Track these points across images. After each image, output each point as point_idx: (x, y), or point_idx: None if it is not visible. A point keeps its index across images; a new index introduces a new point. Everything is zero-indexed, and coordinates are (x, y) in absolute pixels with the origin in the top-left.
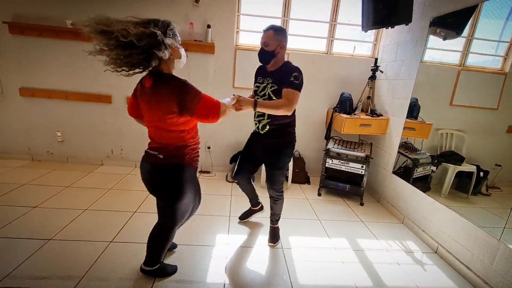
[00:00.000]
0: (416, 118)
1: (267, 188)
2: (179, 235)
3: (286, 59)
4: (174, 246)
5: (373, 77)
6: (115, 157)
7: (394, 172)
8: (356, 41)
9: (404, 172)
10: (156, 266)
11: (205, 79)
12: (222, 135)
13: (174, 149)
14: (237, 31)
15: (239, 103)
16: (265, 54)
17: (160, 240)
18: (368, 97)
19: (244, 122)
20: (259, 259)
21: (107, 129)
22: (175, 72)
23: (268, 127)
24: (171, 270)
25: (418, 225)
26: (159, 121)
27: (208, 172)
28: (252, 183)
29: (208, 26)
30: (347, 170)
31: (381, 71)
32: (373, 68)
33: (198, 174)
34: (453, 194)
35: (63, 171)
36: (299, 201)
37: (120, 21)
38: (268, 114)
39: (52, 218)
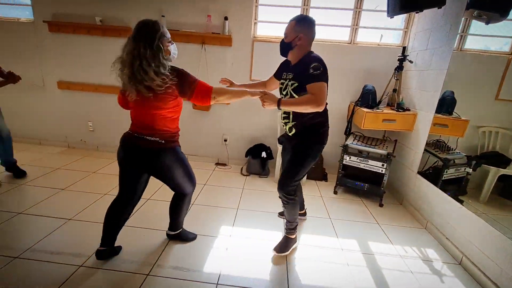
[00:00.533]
0: (450, 113)
1: (277, 187)
2: (185, 224)
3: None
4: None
5: (400, 68)
6: None
7: (420, 173)
8: (383, 28)
9: (433, 173)
10: (179, 230)
11: (222, 72)
12: (239, 129)
13: (171, 134)
14: (254, 23)
15: (262, 100)
16: (282, 46)
17: (184, 205)
18: (394, 90)
19: (260, 116)
20: (259, 253)
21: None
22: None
23: (294, 130)
24: (192, 236)
25: (442, 232)
26: (161, 109)
27: (224, 164)
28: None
29: (226, 18)
30: (366, 168)
31: (410, 61)
32: (400, 57)
33: (214, 166)
34: (495, 200)
35: (92, 158)
36: (312, 198)
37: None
38: (293, 115)
39: (75, 201)
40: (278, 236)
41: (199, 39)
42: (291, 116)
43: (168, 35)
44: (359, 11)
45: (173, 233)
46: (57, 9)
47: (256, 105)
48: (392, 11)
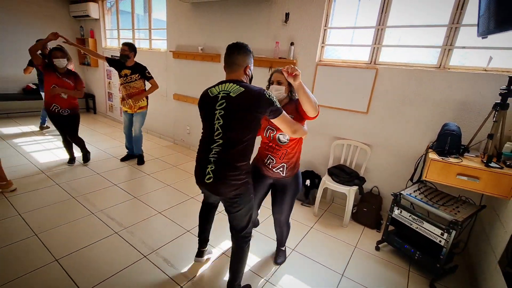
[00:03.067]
0: None
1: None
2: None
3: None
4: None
5: (503, 106)
6: None
7: (503, 263)
8: (493, 48)
9: None
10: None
11: None
12: None
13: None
14: (322, 46)
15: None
16: None
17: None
18: (490, 136)
19: (317, 141)
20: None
21: None
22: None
23: None
24: None
25: None
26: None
27: None
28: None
29: (291, 44)
30: (419, 231)
31: None
32: (504, 91)
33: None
34: None
35: (182, 154)
36: (344, 245)
37: None
38: None
39: (149, 185)
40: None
41: (267, 63)
42: None
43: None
44: (455, 28)
45: None
46: (179, 42)
47: (315, 129)
48: (486, 29)
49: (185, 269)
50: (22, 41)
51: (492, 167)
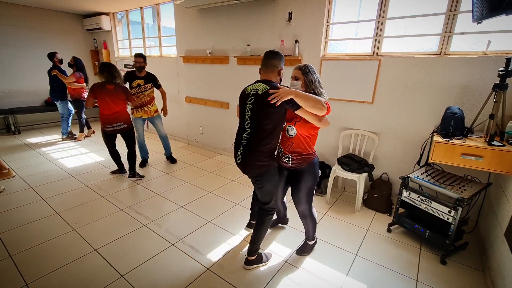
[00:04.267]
0: None
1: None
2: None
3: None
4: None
5: (502, 87)
6: (228, 149)
7: (507, 234)
8: (491, 32)
9: None
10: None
11: None
12: None
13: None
14: (325, 42)
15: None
16: None
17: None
18: (491, 116)
19: (328, 133)
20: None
21: (225, 128)
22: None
23: None
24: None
25: None
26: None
27: None
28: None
29: (296, 41)
30: (427, 211)
31: None
32: (501, 72)
33: None
34: None
35: (197, 154)
36: (356, 229)
37: None
38: None
39: (169, 183)
40: (284, 250)
41: None
42: None
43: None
44: (453, 15)
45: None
46: (188, 47)
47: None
48: (479, 15)
49: (210, 254)
50: (41, 57)
51: (495, 145)
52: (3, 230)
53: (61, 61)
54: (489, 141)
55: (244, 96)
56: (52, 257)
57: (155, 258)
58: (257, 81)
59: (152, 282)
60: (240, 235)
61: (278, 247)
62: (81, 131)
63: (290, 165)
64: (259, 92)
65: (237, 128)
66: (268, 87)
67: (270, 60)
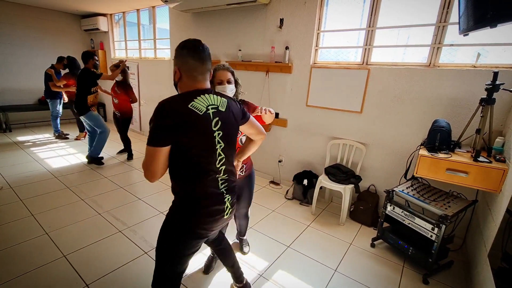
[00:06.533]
0: None
1: None
2: None
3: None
4: None
5: (488, 101)
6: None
7: (492, 257)
8: (483, 45)
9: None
10: None
11: (281, 97)
12: (294, 152)
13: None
14: (316, 49)
15: None
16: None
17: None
18: (477, 131)
19: (314, 142)
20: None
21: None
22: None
23: None
24: None
25: None
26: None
27: (277, 184)
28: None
29: (286, 48)
30: (411, 226)
31: (510, 91)
32: (488, 86)
33: (267, 184)
34: None
35: None
36: (339, 243)
37: None
38: None
39: (149, 188)
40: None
41: (264, 67)
42: None
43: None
44: (443, 27)
45: None
46: None
47: (312, 130)
48: (466, 26)
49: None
50: (37, 55)
51: (481, 161)
52: None
53: (66, 66)
54: (475, 157)
55: (197, 119)
56: (18, 263)
57: (125, 267)
58: (199, 92)
59: None
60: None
61: (254, 258)
62: (81, 130)
63: (243, 175)
64: (220, 108)
65: (187, 174)
66: (226, 99)
67: (208, 62)
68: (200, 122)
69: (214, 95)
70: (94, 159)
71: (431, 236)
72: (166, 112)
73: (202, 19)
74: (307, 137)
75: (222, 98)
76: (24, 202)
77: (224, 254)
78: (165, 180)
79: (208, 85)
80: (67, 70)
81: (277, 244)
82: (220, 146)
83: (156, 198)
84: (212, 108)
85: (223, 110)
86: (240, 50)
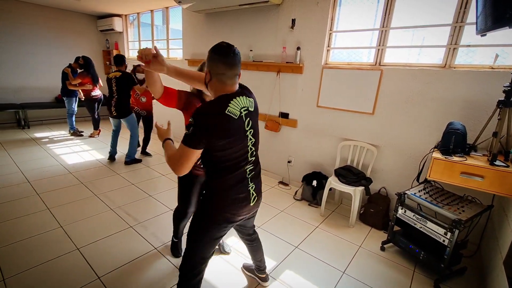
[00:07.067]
0: None
1: None
2: None
3: (220, 94)
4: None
5: (506, 103)
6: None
7: (508, 264)
8: (502, 45)
9: None
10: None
11: (292, 98)
12: (303, 152)
13: None
14: (327, 50)
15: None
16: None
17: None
18: (494, 134)
19: (324, 143)
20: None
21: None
22: None
23: None
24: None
25: None
26: None
27: (286, 184)
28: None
29: (298, 48)
30: (422, 230)
31: None
32: (507, 88)
33: (276, 184)
34: None
35: None
36: (348, 245)
37: None
38: None
39: (159, 186)
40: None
41: (276, 68)
42: None
43: None
44: (459, 27)
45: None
46: (194, 50)
47: (322, 131)
48: (483, 27)
49: None
50: (55, 54)
51: (498, 165)
52: None
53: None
54: (492, 161)
55: (236, 124)
56: (34, 254)
57: (136, 261)
58: (232, 95)
59: (127, 286)
60: (228, 244)
61: None
62: (95, 128)
63: None
64: (250, 109)
65: (223, 172)
66: (252, 99)
67: (238, 67)
68: (236, 125)
69: (243, 97)
70: (133, 160)
71: (444, 240)
72: (206, 118)
73: (214, 20)
74: (317, 138)
75: (249, 98)
76: (40, 196)
77: (255, 248)
78: (175, 178)
79: (236, 87)
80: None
81: (285, 244)
82: (251, 142)
83: (167, 196)
84: (244, 111)
85: (252, 110)
86: (251, 50)
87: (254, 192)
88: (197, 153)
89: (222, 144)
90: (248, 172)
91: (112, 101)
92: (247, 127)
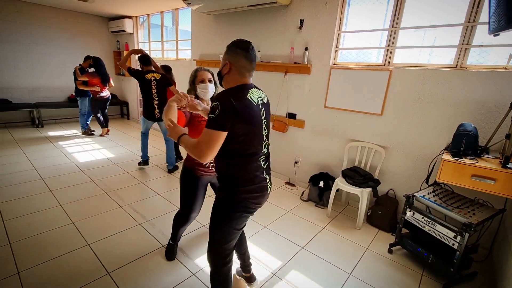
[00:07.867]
0: None
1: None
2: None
3: (239, 84)
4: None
5: None
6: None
7: None
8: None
9: None
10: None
11: (299, 98)
12: (310, 153)
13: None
14: (336, 50)
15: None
16: (218, 76)
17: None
18: (507, 136)
19: (331, 144)
20: None
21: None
22: None
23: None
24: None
25: None
26: None
27: (293, 185)
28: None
29: (306, 49)
30: (431, 233)
31: None
32: None
33: (283, 184)
34: None
35: None
36: (355, 247)
37: None
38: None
39: (167, 184)
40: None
41: (283, 68)
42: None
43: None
44: (471, 26)
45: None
46: (202, 51)
47: (329, 132)
48: (496, 26)
49: (198, 259)
50: (68, 55)
51: (510, 168)
52: (8, 218)
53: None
54: (504, 163)
55: (254, 110)
56: (47, 248)
57: (144, 258)
58: (249, 87)
59: (135, 282)
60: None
61: (267, 257)
62: (102, 127)
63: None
64: (264, 101)
65: (244, 159)
66: (264, 93)
67: (254, 63)
68: (256, 110)
69: (257, 89)
70: (176, 167)
71: (453, 244)
72: (231, 100)
73: (223, 21)
74: (325, 139)
75: (262, 92)
76: (53, 192)
77: (239, 239)
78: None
79: (251, 81)
80: (93, 70)
81: (291, 245)
82: (265, 133)
83: (174, 194)
84: (259, 100)
85: (265, 102)
86: (259, 51)
87: (269, 182)
88: (223, 136)
89: (244, 128)
90: (263, 163)
91: (154, 103)
92: (262, 116)
